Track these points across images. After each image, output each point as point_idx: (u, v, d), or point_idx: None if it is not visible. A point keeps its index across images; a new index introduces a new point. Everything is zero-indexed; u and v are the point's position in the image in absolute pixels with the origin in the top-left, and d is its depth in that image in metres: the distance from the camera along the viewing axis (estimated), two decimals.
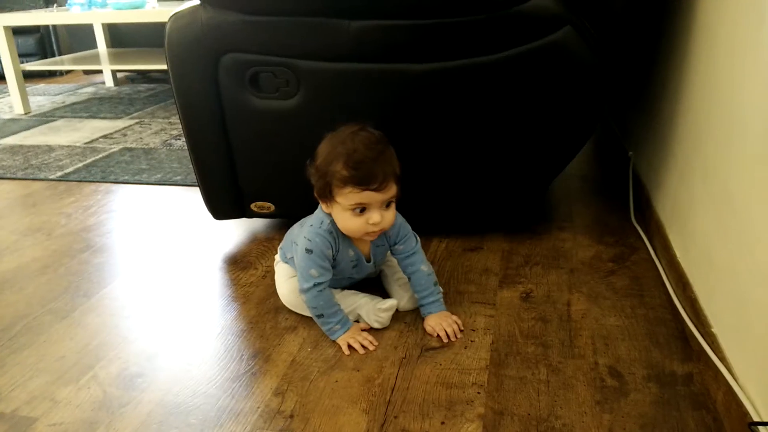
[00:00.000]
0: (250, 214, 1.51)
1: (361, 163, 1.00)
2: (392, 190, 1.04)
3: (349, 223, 1.06)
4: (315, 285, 1.08)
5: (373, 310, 1.12)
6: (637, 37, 1.80)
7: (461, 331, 1.12)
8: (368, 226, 1.04)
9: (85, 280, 1.37)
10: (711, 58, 1.10)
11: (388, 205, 1.06)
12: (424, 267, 1.16)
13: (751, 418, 0.80)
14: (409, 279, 1.17)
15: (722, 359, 0.92)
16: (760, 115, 0.85)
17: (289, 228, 1.26)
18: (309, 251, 1.08)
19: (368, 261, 1.16)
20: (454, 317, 1.14)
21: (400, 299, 1.18)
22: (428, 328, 1.12)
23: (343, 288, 1.21)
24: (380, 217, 1.04)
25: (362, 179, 1.00)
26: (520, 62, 1.21)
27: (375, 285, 1.26)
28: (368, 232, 1.06)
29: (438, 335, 1.10)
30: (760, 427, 0.76)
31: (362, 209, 1.04)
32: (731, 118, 0.97)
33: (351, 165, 1.00)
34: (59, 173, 2.10)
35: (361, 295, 1.17)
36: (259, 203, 1.47)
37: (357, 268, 1.17)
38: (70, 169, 2.15)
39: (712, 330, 0.98)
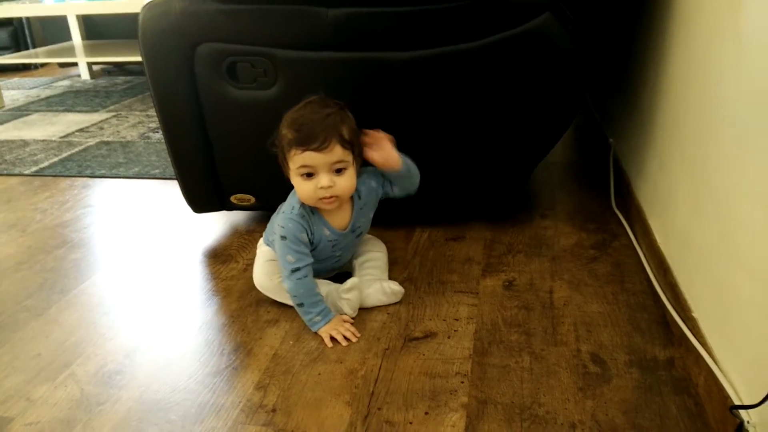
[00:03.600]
0: (230, 207, 1.49)
1: (303, 125, 1.03)
2: (336, 153, 1.03)
3: (300, 188, 1.07)
4: (293, 271, 1.07)
5: (337, 294, 1.12)
6: (616, 24, 1.80)
7: None
8: (318, 191, 1.05)
9: (61, 277, 1.34)
10: (689, 45, 1.10)
11: (339, 172, 1.05)
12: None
13: (732, 401, 0.80)
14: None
15: (703, 344, 0.93)
16: (736, 100, 0.85)
17: (270, 218, 1.24)
18: (283, 237, 1.08)
19: (345, 229, 1.14)
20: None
21: (361, 291, 1.16)
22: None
23: (329, 275, 1.21)
24: (329, 182, 1.04)
25: (303, 139, 1.02)
26: (500, 49, 1.20)
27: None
28: (320, 197, 1.05)
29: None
30: (741, 411, 0.77)
31: (310, 174, 1.04)
32: (709, 104, 0.97)
33: (294, 128, 1.04)
34: (34, 168, 2.06)
35: (333, 284, 1.17)
36: (239, 195, 1.45)
37: (337, 247, 1.15)
38: (46, 163, 2.10)
39: (693, 314, 0.99)
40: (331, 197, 1.06)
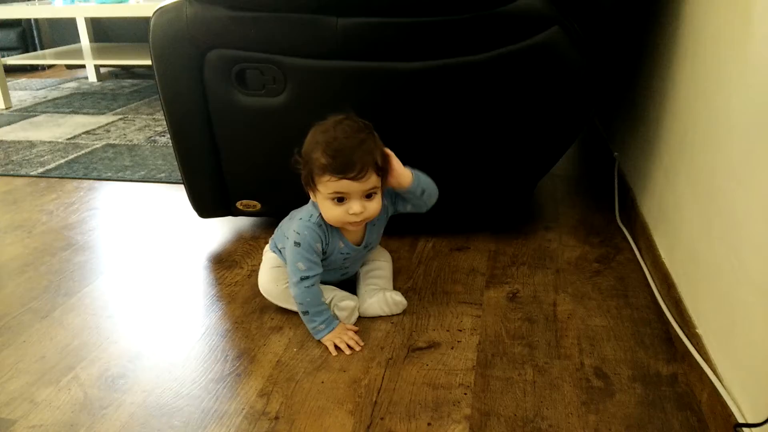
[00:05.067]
0: (236, 213, 1.49)
1: (339, 151, 1.00)
2: (371, 181, 1.03)
3: (329, 212, 1.05)
4: (302, 279, 1.07)
5: (335, 303, 1.12)
6: (623, 38, 1.81)
7: None
8: (348, 216, 1.04)
9: (66, 279, 1.35)
10: (697, 59, 1.11)
11: (369, 196, 1.05)
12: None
13: (735, 419, 0.80)
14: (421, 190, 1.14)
15: (707, 360, 0.93)
16: (745, 114, 0.86)
17: (276, 225, 1.24)
18: (297, 244, 1.08)
19: (359, 245, 1.15)
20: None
21: (362, 303, 1.17)
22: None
23: (335, 283, 1.21)
24: (361, 208, 1.03)
25: (339, 167, 1.00)
26: (508, 62, 1.20)
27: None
28: (349, 221, 1.05)
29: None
30: (745, 429, 0.77)
31: (341, 198, 1.03)
32: (717, 118, 0.98)
33: (329, 153, 1.00)
34: (40, 169, 2.07)
35: (338, 291, 1.17)
36: (245, 201, 1.45)
37: (349, 260, 1.16)
38: (52, 165, 2.11)
39: (697, 331, 0.99)
40: (360, 221, 1.06)
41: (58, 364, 1.06)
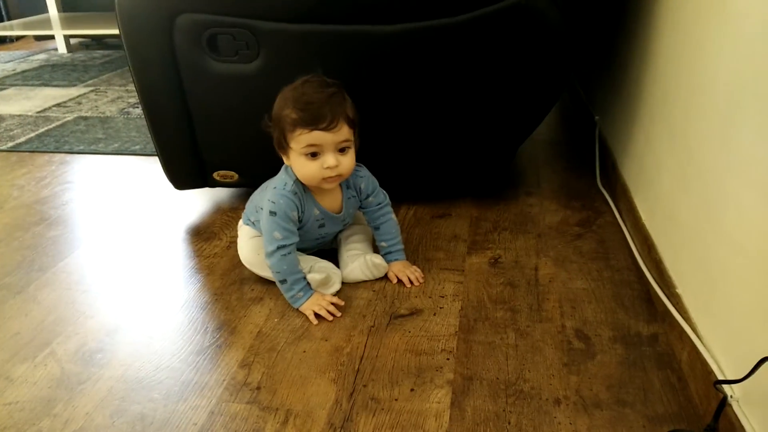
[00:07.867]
0: (213, 184, 1.46)
1: (308, 104, 1.01)
2: (344, 132, 1.03)
3: (304, 168, 1.05)
4: (279, 248, 1.06)
5: (307, 271, 1.12)
6: None
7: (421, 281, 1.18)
8: (323, 170, 1.03)
9: (39, 254, 1.31)
10: (678, 21, 1.09)
11: (343, 151, 1.05)
12: (394, 217, 1.20)
13: (715, 376, 0.81)
14: (378, 229, 1.20)
15: (687, 319, 0.93)
16: (725, 77, 0.85)
17: (250, 197, 1.22)
18: (273, 213, 1.06)
19: (338, 213, 1.14)
20: (415, 267, 1.19)
21: (344, 268, 1.17)
22: (391, 274, 1.17)
23: (311, 251, 1.20)
24: (335, 161, 1.03)
25: (310, 119, 1.00)
26: (488, 23, 1.18)
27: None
28: (325, 177, 1.05)
29: (400, 280, 1.16)
30: (725, 386, 0.77)
31: (315, 153, 1.03)
32: (697, 80, 0.97)
33: (299, 107, 1.01)
34: (10, 144, 2.01)
35: (318, 260, 1.16)
36: (222, 172, 1.42)
37: (324, 228, 1.15)
38: (22, 139, 2.05)
39: (677, 291, 0.99)
40: (335, 176, 1.05)
41: (33, 339, 1.04)
